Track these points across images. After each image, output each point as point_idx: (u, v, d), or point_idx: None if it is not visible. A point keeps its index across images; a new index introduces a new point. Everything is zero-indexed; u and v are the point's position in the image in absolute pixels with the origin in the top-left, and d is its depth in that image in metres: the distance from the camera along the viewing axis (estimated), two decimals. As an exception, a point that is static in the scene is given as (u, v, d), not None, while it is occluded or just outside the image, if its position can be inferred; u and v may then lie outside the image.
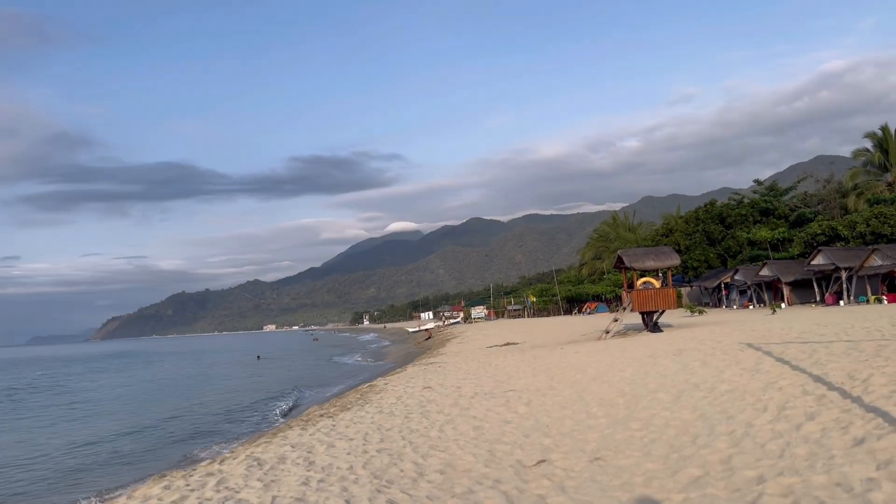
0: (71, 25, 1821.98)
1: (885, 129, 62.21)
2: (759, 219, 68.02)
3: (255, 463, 10.87)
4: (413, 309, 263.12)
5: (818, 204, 68.13)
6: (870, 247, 43.18)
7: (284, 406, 24.77)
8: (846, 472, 6.31)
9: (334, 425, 13.96)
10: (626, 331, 29.86)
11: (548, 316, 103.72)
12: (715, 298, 61.91)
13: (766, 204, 68.69)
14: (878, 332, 16.16)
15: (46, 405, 32.99)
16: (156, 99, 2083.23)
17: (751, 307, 51.75)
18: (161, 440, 19.50)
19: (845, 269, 42.61)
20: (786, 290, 48.93)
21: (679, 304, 51.68)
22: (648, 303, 28.50)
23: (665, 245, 58.11)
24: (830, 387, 9.77)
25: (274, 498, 8.42)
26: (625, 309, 29.55)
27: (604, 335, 28.47)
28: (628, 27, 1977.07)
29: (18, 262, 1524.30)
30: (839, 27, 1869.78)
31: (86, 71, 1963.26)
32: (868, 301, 39.28)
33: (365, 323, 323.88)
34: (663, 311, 29.46)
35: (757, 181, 77.69)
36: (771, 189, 73.93)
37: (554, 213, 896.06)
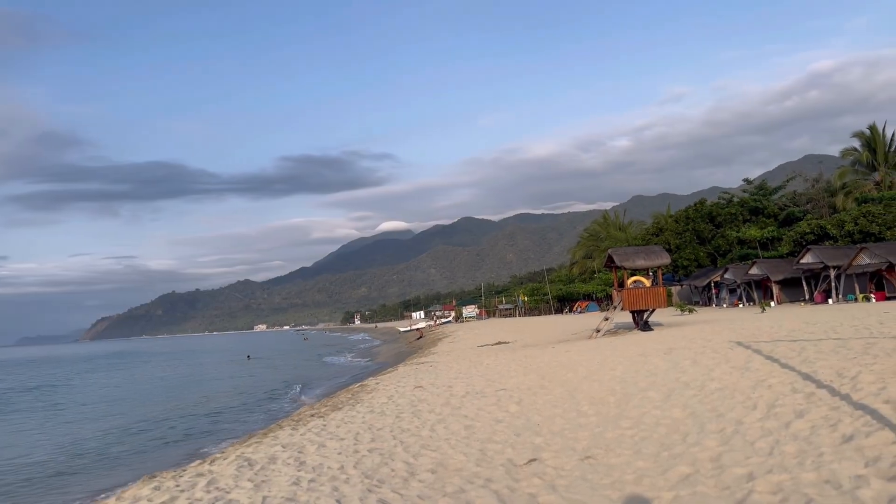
0: (61, 25, 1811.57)
1: (872, 128, 62.65)
2: (748, 218, 68.35)
3: (245, 463, 10.83)
4: (404, 308, 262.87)
5: (807, 203, 68.53)
6: (858, 245, 43.48)
7: (274, 406, 24.71)
8: (835, 470, 6.34)
9: (325, 425, 13.93)
10: (617, 329, 29.95)
11: (539, 315, 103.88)
12: (705, 297, 62.18)
13: (755, 203, 69.03)
14: (866, 331, 16.27)
15: (33, 406, 32.78)
16: (146, 98, 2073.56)
17: (740, 306, 52.01)
18: (150, 441, 19.40)
19: (834, 267, 42.89)
20: (775, 289, 49.20)
21: (669, 303, 51.86)
22: (639, 301, 28.60)
23: (655, 244, 58.28)
24: (819, 384, 9.82)
25: (264, 498, 8.39)
26: (615, 308, 29.64)
27: (594, 334, 28.54)
28: (619, 27, 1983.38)
29: (6, 262, 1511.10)
30: (829, 28, 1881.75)
31: (76, 70, 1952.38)
32: (856, 299, 39.55)
33: (356, 323, 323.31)
34: (653, 310, 29.57)
35: (746, 180, 78.06)
36: (760, 188, 74.30)
37: (545, 212, 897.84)
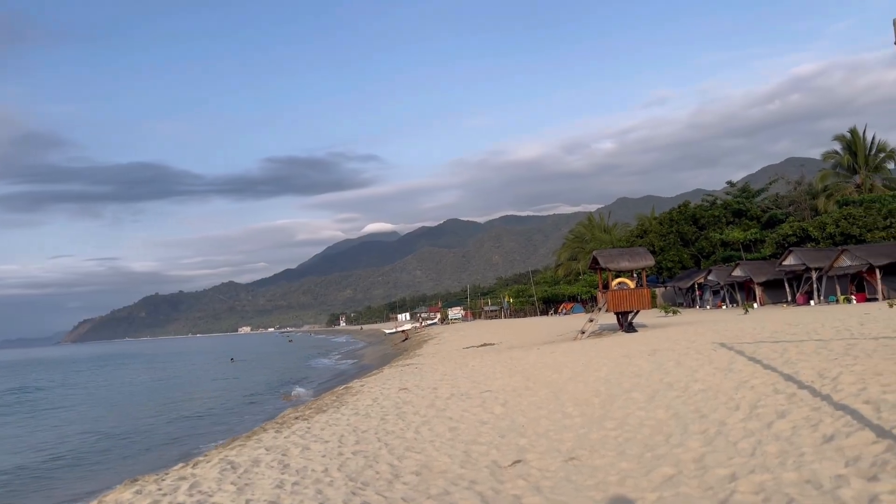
0: (42, 24, 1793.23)
1: (853, 131, 63.38)
2: (731, 220, 68.90)
3: (228, 466, 10.75)
4: (390, 310, 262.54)
5: (789, 205, 69.19)
6: (839, 247, 43.94)
7: (258, 409, 24.58)
8: (816, 470, 6.39)
9: (309, 427, 13.87)
10: (602, 331, 30.06)
11: (524, 316, 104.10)
12: (689, 299, 62.59)
13: (738, 205, 69.61)
14: (847, 332, 16.43)
15: (13, 410, 32.39)
16: (130, 99, 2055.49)
17: (724, 307, 52.40)
18: (132, 444, 19.23)
19: (815, 269, 43.32)
20: (758, 291, 49.61)
21: (653, 305, 52.18)
22: (623, 303, 28.72)
23: (640, 246, 58.63)
24: (801, 385, 9.91)
25: (248, 501, 8.34)
26: (600, 309, 29.74)
27: (579, 335, 28.62)
28: (604, 30, 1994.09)
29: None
30: (810, 31, 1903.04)
31: (58, 70, 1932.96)
32: (838, 301, 39.95)
33: (341, 325, 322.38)
34: (638, 312, 29.71)
35: (730, 183, 78.74)
36: (743, 191, 74.94)
37: (530, 214, 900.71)
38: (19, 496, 13.86)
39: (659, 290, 66.89)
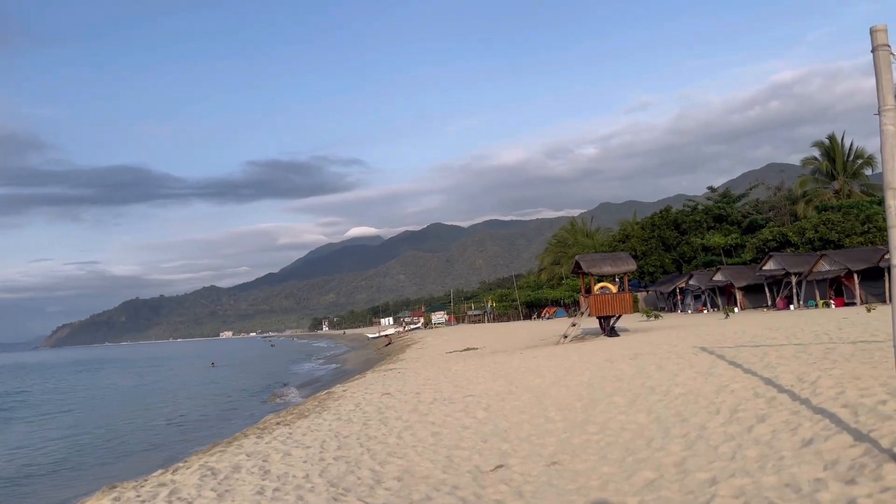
0: (24, 27, 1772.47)
1: (832, 138, 64.18)
2: (712, 225, 69.44)
3: (208, 472, 10.64)
4: (373, 315, 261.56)
5: (769, 211, 69.90)
6: (818, 252, 44.48)
7: (239, 414, 24.38)
8: (795, 473, 6.44)
9: (291, 433, 13.77)
10: (584, 335, 30.16)
11: (508, 321, 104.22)
12: (670, 303, 63.00)
13: (719, 210, 70.19)
14: (825, 336, 16.61)
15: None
16: (111, 101, 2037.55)
17: (705, 311, 52.78)
18: (111, 451, 19.00)
19: (795, 274, 43.79)
20: (738, 295, 50.04)
21: (635, 309, 52.46)
22: (605, 307, 28.84)
23: (622, 251, 58.92)
24: (780, 389, 9.98)
25: (227, 508, 8.26)
26: (583, 314, 29.86)
27: (562, 340, 28.70)
28: (585, 36, 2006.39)
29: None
30: (789, 39, 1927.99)
31: (39, 73, 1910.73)
32: (817, 305, 40.40)
33: (324, 329, 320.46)
34: (620, 316, 29.85)
35: (711, 188, 79.33)
36: (724, 196, 75.56)
37: (514, 218, 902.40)
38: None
39: (641, 295, 67.26)
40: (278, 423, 16.08)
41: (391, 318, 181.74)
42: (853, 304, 38.10)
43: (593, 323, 31.88)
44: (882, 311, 23.42)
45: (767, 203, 72.34)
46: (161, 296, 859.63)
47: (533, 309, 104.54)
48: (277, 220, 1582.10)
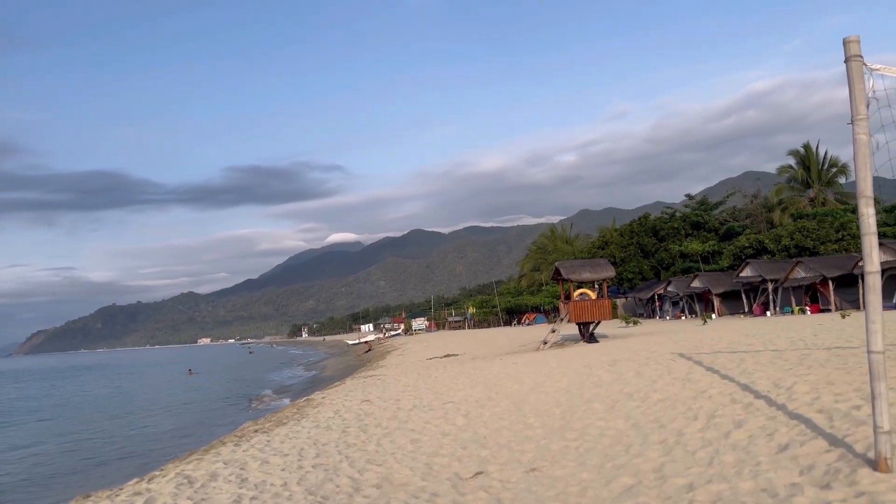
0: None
1: (807, 147, 65.17)
2: (690, 232, 70.11)
3: (185, 481, 10.52)
4: (353, 321, 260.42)
5: (746, 218, 70.72)
6: (794, 259, 45.03)
7: (216, 422, 24.12)
8: (771, 478, 6.49)
9: (269, 441, 13.66)
10: (564, 341, 30.26)
11: (488, 327, 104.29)
12: (649, 309, 63.42)
13: (697, 218, 70.89)
14: (801, 342, 16.79)
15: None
16: (89, 105, 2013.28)
17: (683, 318, 53.19)
18: (85, 459, 18.70)
19: (771, 281, 44.29)
20: (716, 301, 50.51)
21: (614, 315, 52.71)
22: (585, 314, 28.97)
23: (601, 257, 59.29)
24: (757, 395, 10.07)
25: (204, 517, 8.16)
26: (562, 320, 29.95)
27: (542, 346, 28.77)
28: (565, 43, 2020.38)
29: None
30: (764, 49, 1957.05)
31: (14, 76, 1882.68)
32: (793, 312, 40.87)
33: (303, 336, 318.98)
34: (599, 322, 29.99)
35: (688, 196, 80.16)
36: (702, 203, 76.35)
37: (494, 225, 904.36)
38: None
39: (620, 301, 67.67)
40: (256, 431, 15.94)
41: (371, 325, 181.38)
42: (828, 310, 38.60)
43: (573, 329, 32.00)
44: (856, 318, 23.75)
45: (744, 210, 73.20)
46: (138, 302, 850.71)
47: (513, 315, 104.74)
48: (257, 225, 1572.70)
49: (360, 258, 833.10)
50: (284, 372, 57.15)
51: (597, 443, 9.33)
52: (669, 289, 57.59)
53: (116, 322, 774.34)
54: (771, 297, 44.44)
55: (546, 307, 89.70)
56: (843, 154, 65.88)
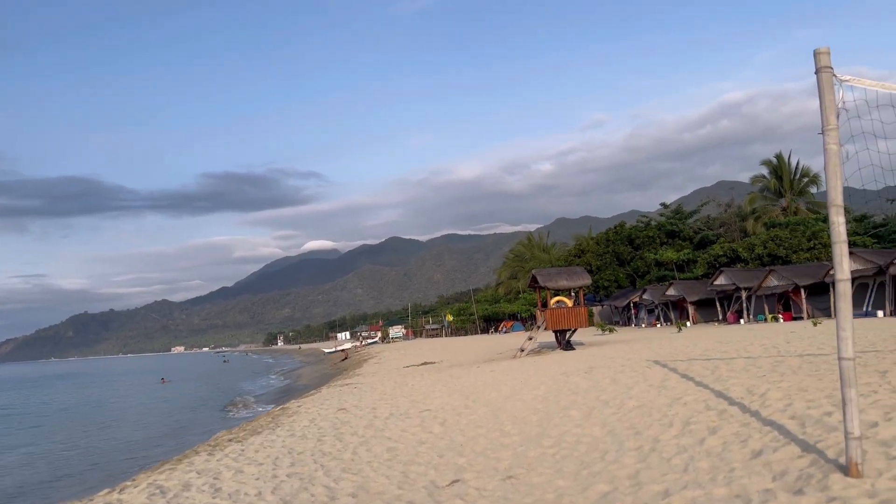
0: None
1: (779, 157, 66.24)
2: (665, 240, 70.78)
3: (157, 491, 10.35)
4: (330, 329, 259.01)
5: (720, 227, 71.57)
6: (767, 268, 45.65)
7: (190, 431, 23.80)
8: (745, 484, 6.54)
9: (243, 450, 13.50)
10: (541, 349, 30.33)
11: (465, 335, 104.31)
12: (624, 317, 63.85)
13: (671, 226, 71.62)
14: (774, 349, 16.99)
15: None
16: (61, 111, 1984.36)
17: (658, 325, 53.62)
18: (54, 470, 18.33)
19: (745, 289, 44.84)
20: (691, 309, 50.98)
21: (590, 323, 53.05)
22: (561, 321, 29.07)
23: (577, 265, 59.64)
24: (731, 402, 10.16)
25: (176, 528, 8.02)
26: (539, 327, 30.03)
27: (519, 353, 28.80)
28: (542, 53, 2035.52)
29: None
30: (738, 60, 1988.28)
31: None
32: (766, 319, 41.37)
33: (279, 344, 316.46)
34: (575, 330, 30.11)
35: (663, 204, 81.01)
36: (676, 212, 77.17)
37: (471, 233, 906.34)
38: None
39: (596, 309, 68.04)
40: (230, 440, 15.75)
41: (348, 333, 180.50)
42: (800, 318, 39.12)
43: (550, 337, 32.09)
44: (827, 325, 24.09)
45: (718, 219, 74.10)
46: (111, 310, 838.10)
47: (490, 323, 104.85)
48: (233, 233, 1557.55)
49: (336, 266, 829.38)
50: (259, 381, 56.61)
51: (573, 450, 9.34)
52: (645, 297, 58.04)
53: (88, 330, 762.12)
54: (744, 304, 44.97)
55: (523, 315, 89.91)
56: (815, 164, 67.07)
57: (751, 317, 44.07)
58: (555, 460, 8.98)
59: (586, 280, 30.55)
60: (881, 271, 34.82)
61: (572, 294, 30.78)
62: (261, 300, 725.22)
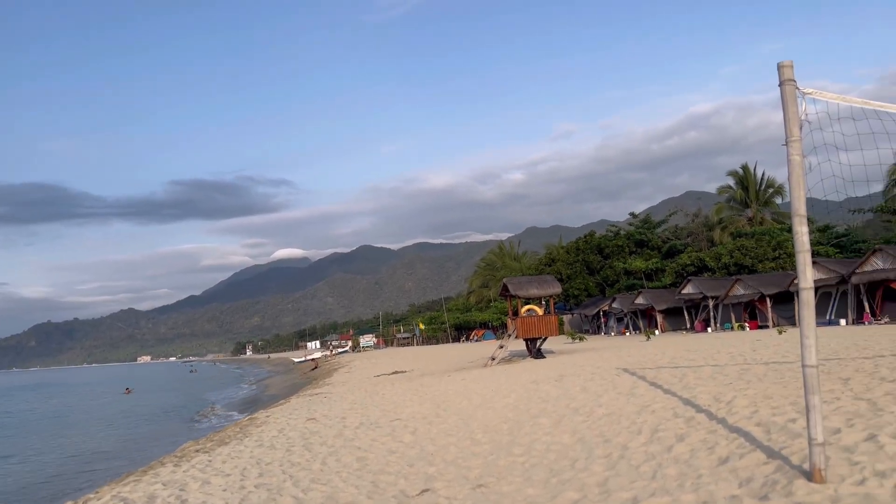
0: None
1: (745, 168, 67.44)
2: (634, 250, 71.51)
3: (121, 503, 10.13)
4: (299, 338, 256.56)
5: (688, 236, 72.59)
6: (733, 277, 46.37)
7: (155, 442, 23.37)
8: (712, 491, 6.61)
9: (210, 461, 13.29)
10: (512, 357, 30.39)
11: (436, 343, 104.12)
12: (594, 325, 64.33)
13: (640, 236, 72.40)
14: (740, 357, 17.23)
15: None
16: (25, 116, 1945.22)
17: (627, 334, 54.09)
18: (12, 483, 17.85)
19: (712, 297, 45.47)
20: (659, 318, 51.54)
21: (561, 331, 53.35)
22: (532, 330, 29.17)
23: (548, 274, 59.95)
24: (698, 409, 10.26)
25: (139, 541, 7.85)
26: (510, 336, 30.10)
27: (490, 362, 28.82)
28: (512, 64, 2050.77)
29: None
30: (705, 73, 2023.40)
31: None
32: (733, 328, 41.97)
33: (248, 353, 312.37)
34: (546, 338, 30.23)
35: (632, 214, 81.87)
36: (645, 222, 78.06)
37: (443, 241, 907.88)
38: None
39: (566, 317, 68.47)
40: (197, 451, 15.50)
41: (318, 342, 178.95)
42: (766, 326, 39.75)
43: (520, 345, 32.18)
44: (792, 334, 24.50)
45: (686, 229, 75.13)
46: (75, 319, 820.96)
47: (462, 331, 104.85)
48: (201, 241, 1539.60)
49: (307, 274, 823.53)
50: (227, 390, 55.84)
51: (543, 458, 9.35)
52: (614, 305, 58.54)
53: (51, 340, 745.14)
54: (712, 313, 45.59)
55: (494, 323, 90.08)
56: (780, 175, 68.47)
57: (718, 325, 44.68)
58: (525, 468, 8.98)
59: (557, 289, 30.71)
60: (844, 280, 35.56)
61: (543, 303, 30.90)
62: (229, 309, 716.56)
